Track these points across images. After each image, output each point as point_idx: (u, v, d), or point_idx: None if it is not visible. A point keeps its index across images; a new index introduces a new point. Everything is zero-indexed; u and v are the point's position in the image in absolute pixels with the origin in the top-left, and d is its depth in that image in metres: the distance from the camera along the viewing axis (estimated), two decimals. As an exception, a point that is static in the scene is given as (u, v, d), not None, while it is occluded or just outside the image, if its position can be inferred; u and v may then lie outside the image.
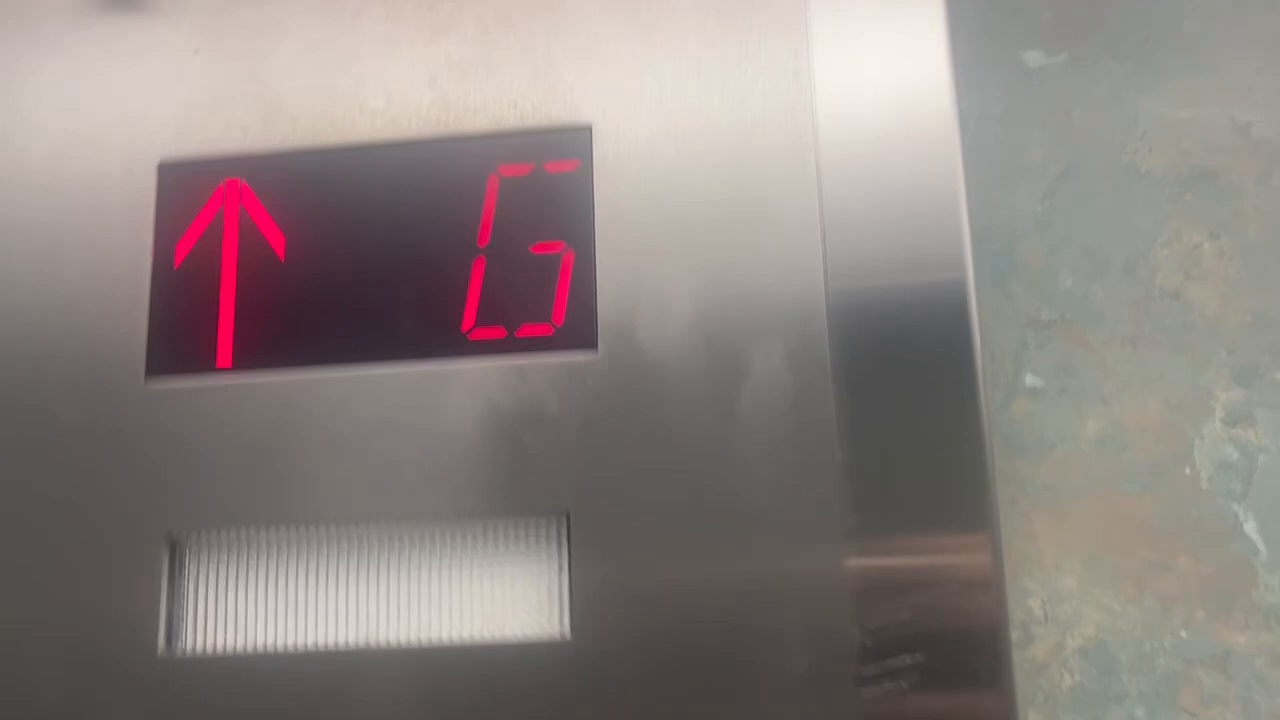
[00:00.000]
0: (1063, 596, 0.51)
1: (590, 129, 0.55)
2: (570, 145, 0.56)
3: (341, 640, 0.51)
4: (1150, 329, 0.54)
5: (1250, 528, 0.52)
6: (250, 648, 0.51)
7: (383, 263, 0.55)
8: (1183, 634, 0.51)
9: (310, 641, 0.51)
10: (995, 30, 0.57)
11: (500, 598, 0.51)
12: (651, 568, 0.50)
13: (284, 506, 0.52)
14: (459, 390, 0.53)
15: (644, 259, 0.54)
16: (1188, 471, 0.52)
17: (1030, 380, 0.54)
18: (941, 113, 0.52)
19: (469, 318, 0.54)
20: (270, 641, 0.51)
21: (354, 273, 0.55)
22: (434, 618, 0.52)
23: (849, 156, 0.53)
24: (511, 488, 0.52)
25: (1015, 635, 0.51)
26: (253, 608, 0.52)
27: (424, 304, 0.55)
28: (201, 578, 0.52)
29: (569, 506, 0.51)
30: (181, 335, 0.54)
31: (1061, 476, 0.53)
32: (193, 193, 0.56)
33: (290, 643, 0.51)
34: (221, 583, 0.52)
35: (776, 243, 0.53)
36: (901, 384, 0.50)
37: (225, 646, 0.51)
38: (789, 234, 0.53)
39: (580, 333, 0.53)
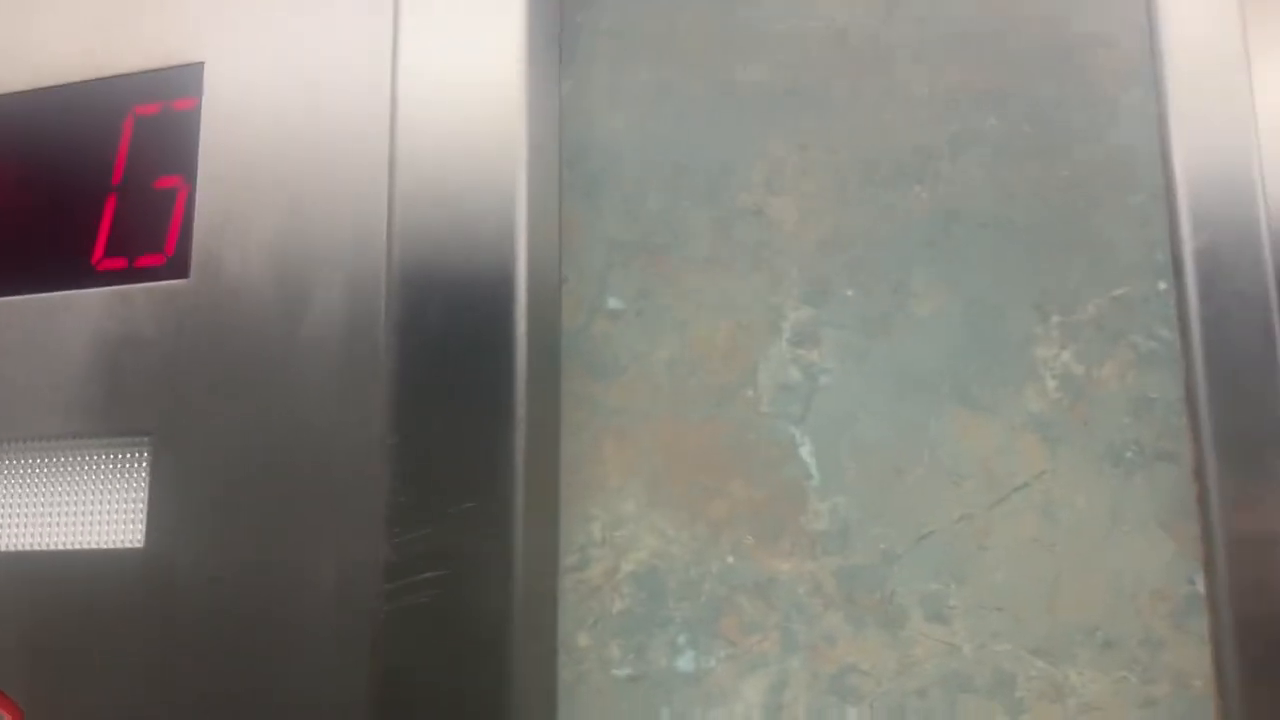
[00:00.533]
0: (622, 520, 0.51)
1: (203, 67, 0.58)
2: (189, 84, 0.58)
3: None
4: (728, 248, 0.52)
5: (805, 451, 0.49)
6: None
7: (34, 202, 0.60)
8: (730, 560, 0.49)
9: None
10: (609, -54, 0.56)
11: (93, 510, 0.55)
12: (218, 483, 0.53)
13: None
14: (79, 318, 0.57)
15: (238, 192, 0.56)
16: (750, 394, 0.50)
17: (612, 302, 0.53)
18: (510, 105, 0.52)
19: (99, 250, 0.58)
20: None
21: (9, 213, 0.60)
22: (41, 528, 0.56)
23: (424, 126, 0.54)
24: (106, 409, 0.56)
25: (573, 559, 0.51)
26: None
27: (61, 239, 0.59)
28: None
29: (152, 425, 0.55)
30: None
31: (632, 400, 0.52)
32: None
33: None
34: None
35: (347, 192, 0.54)
36: (447, 335, 0.51)
37: None
38: (359, 184, 0.54)
39: (181, 261, 0.56)
